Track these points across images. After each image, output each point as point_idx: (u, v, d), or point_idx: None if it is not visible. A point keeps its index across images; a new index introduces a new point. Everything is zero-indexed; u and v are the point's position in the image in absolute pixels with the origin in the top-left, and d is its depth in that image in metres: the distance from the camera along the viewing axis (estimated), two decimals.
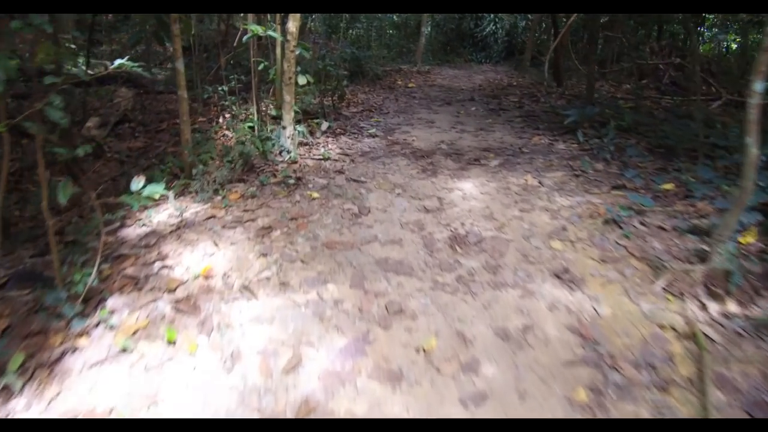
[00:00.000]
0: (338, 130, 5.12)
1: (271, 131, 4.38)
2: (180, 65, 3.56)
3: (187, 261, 2.49)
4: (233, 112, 5.59)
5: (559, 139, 4.81)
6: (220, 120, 5.64)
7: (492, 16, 17.71)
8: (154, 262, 2.47)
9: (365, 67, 9.74)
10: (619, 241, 2.66)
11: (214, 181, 3.46)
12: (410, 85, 8.93)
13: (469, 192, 3.42)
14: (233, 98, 5.28)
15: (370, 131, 5.15)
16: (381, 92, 8.01)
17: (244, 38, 3.88)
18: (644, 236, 2.71)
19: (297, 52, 4.00)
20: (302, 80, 4.42)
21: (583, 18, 6.98)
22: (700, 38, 12.82)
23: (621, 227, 2.79)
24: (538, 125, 5.45)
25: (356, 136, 4.95)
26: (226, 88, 5.32)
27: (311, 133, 4.78)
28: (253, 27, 3.84)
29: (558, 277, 2.36)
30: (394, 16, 16.60)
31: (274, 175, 3.65)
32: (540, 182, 3.58)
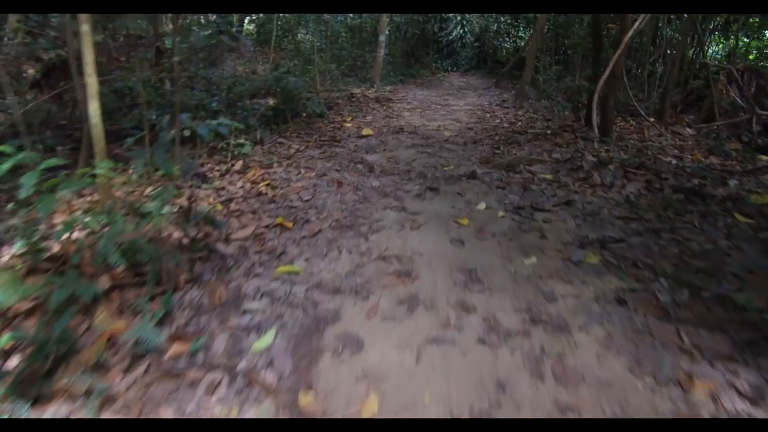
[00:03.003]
0: (177, 333, 1.89)
1: None
2: None
3: None
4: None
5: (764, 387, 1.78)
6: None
7: (459, 18, 14.82)
8: None
9: (297, 101, 6.51)
10: None
11: None
12: (365, 132, 5.78)
13: None
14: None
15: (257, 361, 1.93)
16: (316, 153, 4.82)
17: None
18: None
19: None
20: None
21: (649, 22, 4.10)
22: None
23: None
24: (654, 288, 2.38)
25: (215, 389, 1.73)
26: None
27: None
28: None
29: None
30: (348, 19, 13.37)
31: None
32: None
